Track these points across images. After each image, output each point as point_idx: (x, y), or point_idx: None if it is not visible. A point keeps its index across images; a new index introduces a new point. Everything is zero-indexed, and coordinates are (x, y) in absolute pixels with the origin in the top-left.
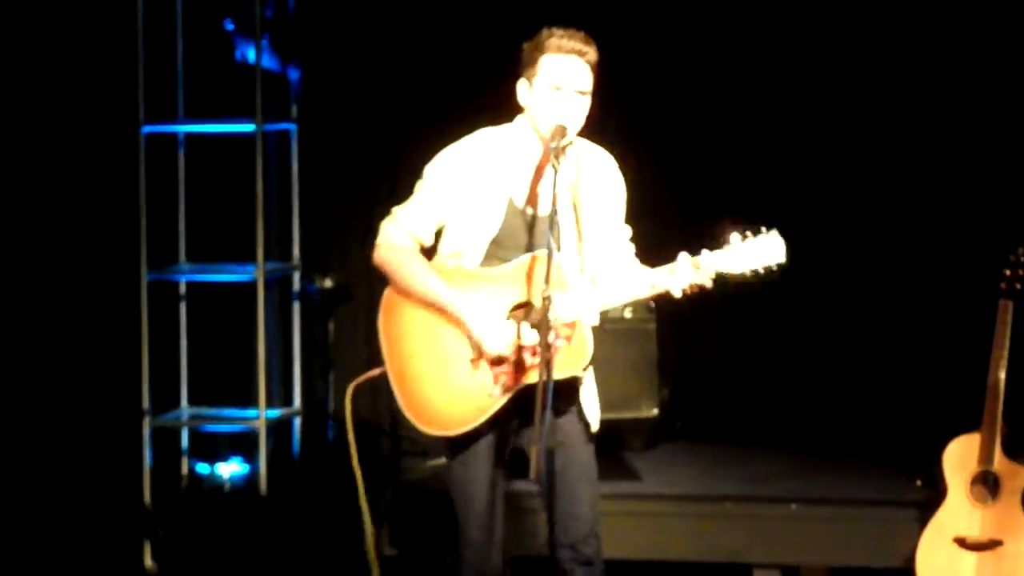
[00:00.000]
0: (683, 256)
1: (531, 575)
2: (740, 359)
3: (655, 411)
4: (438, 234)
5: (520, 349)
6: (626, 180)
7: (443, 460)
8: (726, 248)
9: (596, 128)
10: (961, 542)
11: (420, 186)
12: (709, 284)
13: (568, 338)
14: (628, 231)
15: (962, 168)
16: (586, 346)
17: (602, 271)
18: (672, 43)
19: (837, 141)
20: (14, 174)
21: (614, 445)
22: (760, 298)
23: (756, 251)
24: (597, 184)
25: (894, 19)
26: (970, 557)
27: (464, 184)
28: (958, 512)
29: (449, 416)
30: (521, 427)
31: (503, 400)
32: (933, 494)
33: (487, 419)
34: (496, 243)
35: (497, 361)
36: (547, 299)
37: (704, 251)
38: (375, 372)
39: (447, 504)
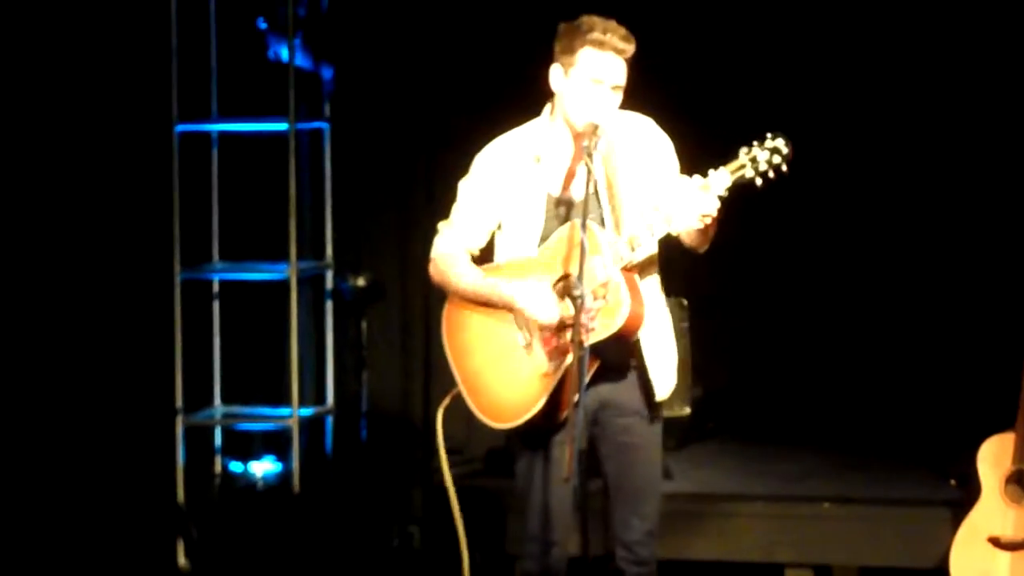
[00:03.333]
0: (695, 178)
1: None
2: (772, 359)
3: (688, 410)
4: (491, 243)
5: (563, 323)
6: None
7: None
8: (732, 162)
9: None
10: (995, 542)
11: (457, 198)
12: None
13: (604, 296)
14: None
15: (995, 168)
16: (620, 301)
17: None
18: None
19: (880, 141)
20: (49, 173)
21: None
22: (793, 298)
23: (762, 156)
24: (639, 147)
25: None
26: (1004, 557)
27: (498, 190)
28: (992, 512)
29: (513, 405)
30: (594, 417)
31: (559, 375)
32: (967, 494)
33: (548, 399)
34: (544, 239)
35: (548, 339)
36: (579, 297)
37: (710, 171)
38: (454, 393)
39: (489, 500)
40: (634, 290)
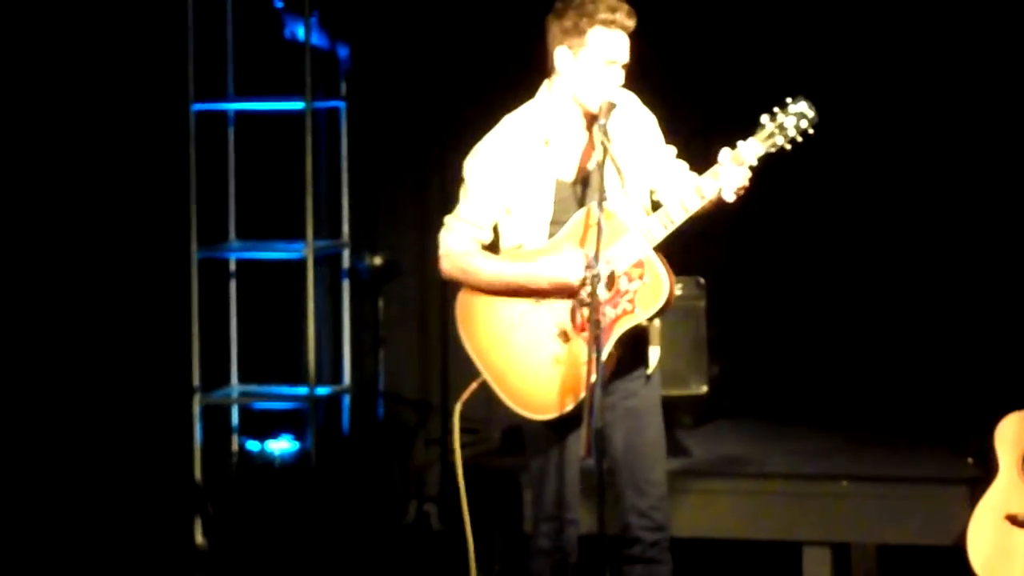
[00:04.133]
0: (724, 152)
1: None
2: (790, 336)
3: (705, 388)
4: (495, 231)
5: (594, 306)
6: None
7: None
8: (760, 131)
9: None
10: (1012, 520)
11: (464, 188)
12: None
13: (641, 277)
14: (672, 150)
15: (1015, 152)
16: (661, 278)
17: (663, 196)
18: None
19: (905, 118)
20: (66, 153)
21: (664, 422)
22: (810, 275)
23: (789, 122)
24: (628, 126)
25: None
26: (1021, 535)
27: (507, 176)
28: (1009, 490)
29: (553, 395)
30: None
31: (604, 357)
32: (984, 472)
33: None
34: (555, 223)
35: (583, 327)
36: (596, 277)
37: (739, 142)
38: (476, 384)
39: (507, 480)
40: (667, 266)
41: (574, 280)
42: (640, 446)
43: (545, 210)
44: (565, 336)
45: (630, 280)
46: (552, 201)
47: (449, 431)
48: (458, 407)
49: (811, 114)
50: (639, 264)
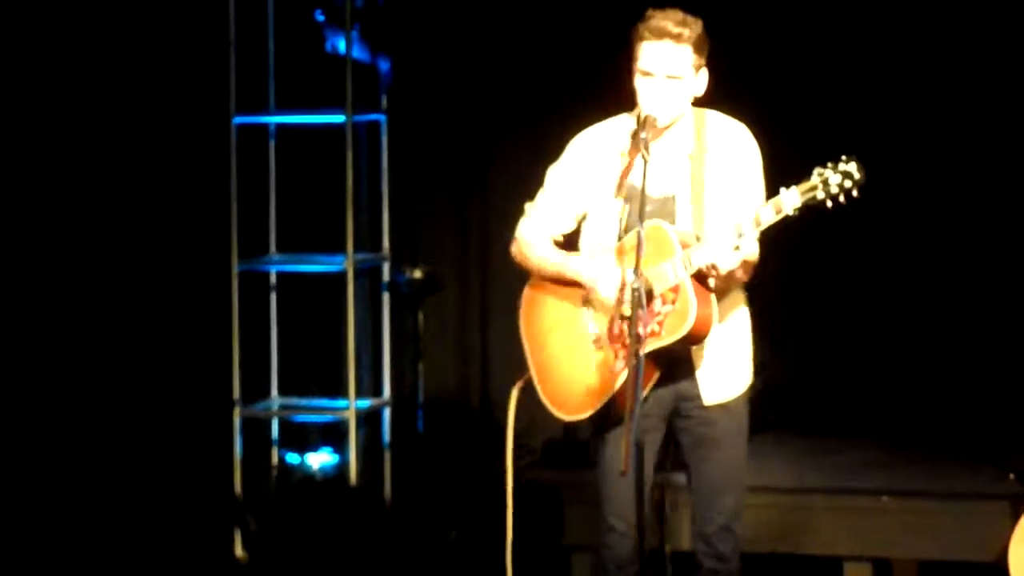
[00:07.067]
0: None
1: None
2: (832, 351)
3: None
4: (577, 229)
5: (634, 320)
6: None
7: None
8: (804, 182)
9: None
10: None
11: (544, 181)
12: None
13: (674, 302)
14: (761, 198)
15: None
16: (689, 308)
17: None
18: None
19: (944, 138)
20: (108, 165)
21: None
22: (852, 290)
23: (834, 180)
24: (726, 156)
25: None
26: None
27: (586, 177)
28: None
29: (579, 398)
30: (670, 410)
31: (624, 374)
32: None
33: (612, 396)
34: (628, 231)
35: (616, 336)
36: (636, 290)
37: (782, 189)
38: (525, 378)
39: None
40: (702, 295)
41: (604, 293)
42: (709, 474)
43: (615, 217)
44: (599, 343)
45: (664, 302)
46: (627, 211)
47: (504, 432)
48: (514, 394)
49: (857, 176)
50: (674, 289)
